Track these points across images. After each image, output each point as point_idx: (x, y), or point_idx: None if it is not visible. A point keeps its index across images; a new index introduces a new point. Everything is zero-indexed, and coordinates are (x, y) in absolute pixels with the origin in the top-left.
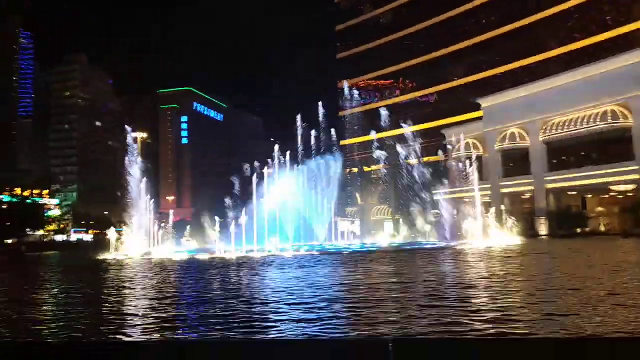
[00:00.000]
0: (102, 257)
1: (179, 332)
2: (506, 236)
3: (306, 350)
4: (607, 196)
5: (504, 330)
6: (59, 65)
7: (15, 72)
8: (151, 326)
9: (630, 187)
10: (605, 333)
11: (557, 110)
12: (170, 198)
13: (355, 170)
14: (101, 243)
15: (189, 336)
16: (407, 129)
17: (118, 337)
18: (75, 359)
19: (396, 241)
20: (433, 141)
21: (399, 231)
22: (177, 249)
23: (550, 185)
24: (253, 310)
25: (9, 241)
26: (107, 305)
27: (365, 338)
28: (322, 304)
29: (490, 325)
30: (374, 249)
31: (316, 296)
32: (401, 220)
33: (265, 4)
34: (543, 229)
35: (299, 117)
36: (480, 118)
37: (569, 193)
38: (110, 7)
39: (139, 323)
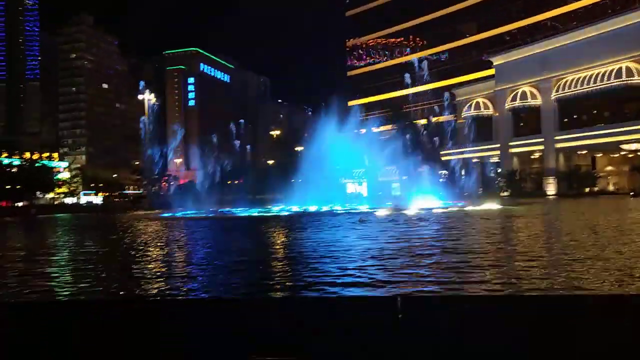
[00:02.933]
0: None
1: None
2: (512, 197)
3: (323, 305)
4: (617, 155)
5: None
6: (65, 26)
7: (21, 33)
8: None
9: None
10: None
11: (570, 68)
12: (178, 160)
13: (364, 130)
14: (114, 205)
15: None
16: (417, 88)
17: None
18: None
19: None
20: (442, 101)
21: (404, 192)
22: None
23: (560, 145)
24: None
25: (20, 204)
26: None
27: (376, 295)
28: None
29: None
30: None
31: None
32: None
33: None
34: (551, 188)
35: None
36: (491, 76)
37: (579, 152)
38: None
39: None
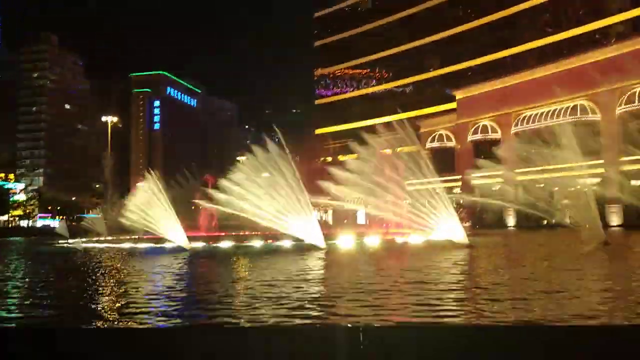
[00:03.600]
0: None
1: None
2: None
3: (285, 336)
4: (573, 189)
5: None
6: (28, 45)
7: None
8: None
9: (595, 180)
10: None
11: (529, 104)
12: (140, 184)
13: (329, 159)
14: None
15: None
16: (382, 119)
17: None
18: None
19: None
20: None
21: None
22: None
23: (519, 178)
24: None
25: None
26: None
27: (339, 324)
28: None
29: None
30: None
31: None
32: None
33: None
34: (511, 220)
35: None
36: (454, 109)
37: (537, 185)
38: None
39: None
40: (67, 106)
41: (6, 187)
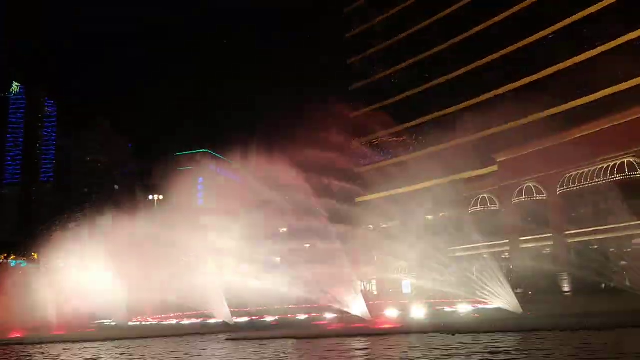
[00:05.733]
0: None
1: None
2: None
3: None
4: (630, 250)
5: None
6: (81, 130)
7: (40, 139)
8: None
9: None
10: None
11: (574, 163)
12: None
13: (372, 226)
14: None
15: None
16: (422, 185)
17: None
18: None
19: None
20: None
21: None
22: None
23: (570, 240)
24: None
25: None
26: None
27: None
28: None
29: None
30: None
31: None
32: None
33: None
34: (566, 285)
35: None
36: (496, 172)
37: (591, 247)
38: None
39: None
40: (116, 187)
41: None
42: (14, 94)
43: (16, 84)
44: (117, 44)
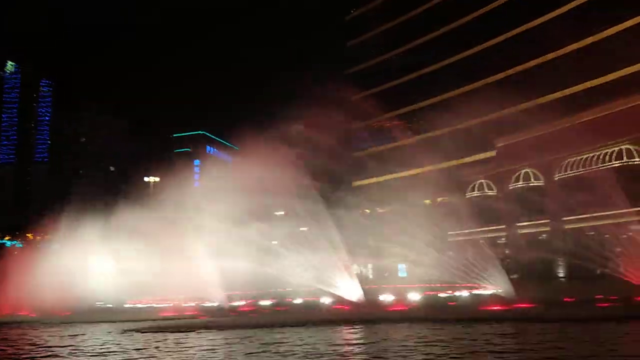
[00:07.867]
0: None
1: None
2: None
3: None
4: (625, 236)
5: None
6: (76, 110)
7: (34, 119)
8: None
9: None
10: None
11: (572, 149)
12: None
13: (368, 211)
14: None
15: None
16: (419, 170)
17: None
18: None
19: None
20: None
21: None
22: None
23: (567, 226)
24: None
25: None
26: None
27: None
28: None
29: None
30: None
31: None
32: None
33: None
34: (561, 271)
35: None
36: (494, 158)
37: (587, 234)
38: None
39: None
40: (112, 168)
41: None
42: (9, 73)
43: (11, 63)
44: (114, 26)
